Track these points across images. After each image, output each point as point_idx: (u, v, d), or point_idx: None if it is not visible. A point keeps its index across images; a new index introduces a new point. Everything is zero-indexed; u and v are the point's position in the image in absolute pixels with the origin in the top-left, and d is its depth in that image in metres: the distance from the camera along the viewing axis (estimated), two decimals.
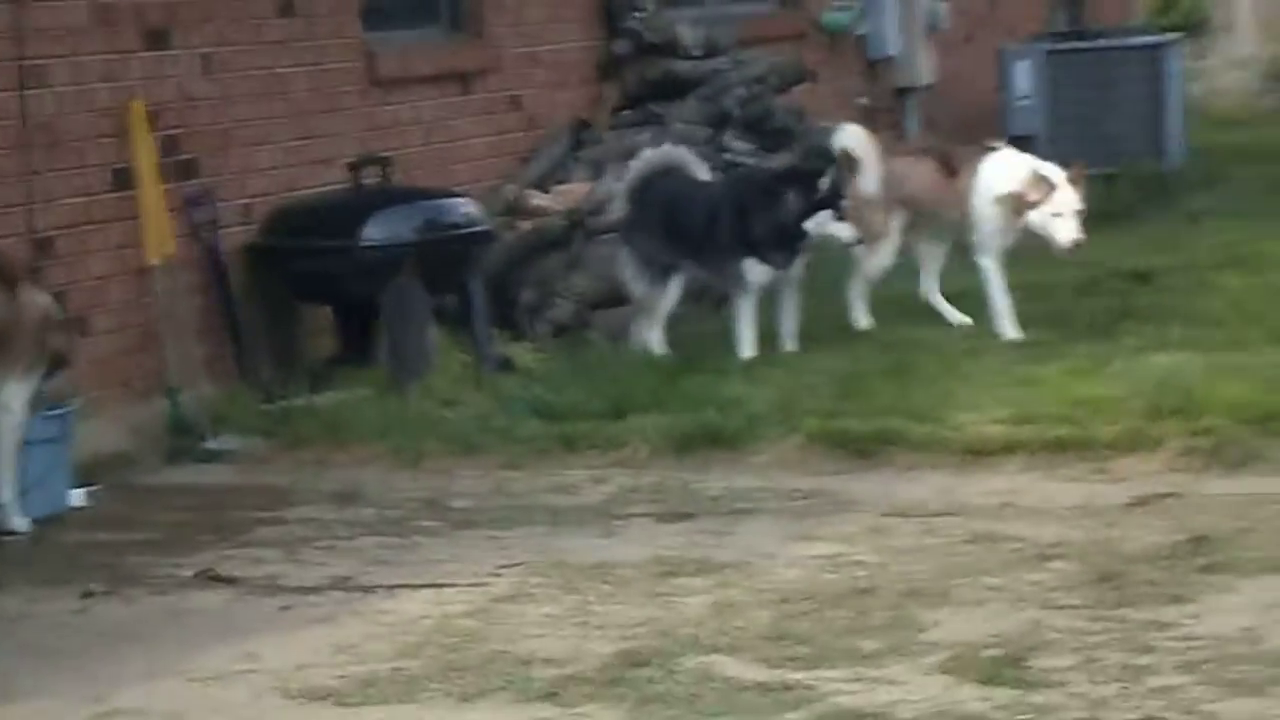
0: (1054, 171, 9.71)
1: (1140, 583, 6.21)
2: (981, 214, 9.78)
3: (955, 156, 10.07)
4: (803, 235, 9.55)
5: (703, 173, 10.15)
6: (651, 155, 10.08)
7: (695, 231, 9.69)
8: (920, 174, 10.08)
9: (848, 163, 10.01)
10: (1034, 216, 9.64)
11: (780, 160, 11.74)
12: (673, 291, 9.68)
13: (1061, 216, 9.58)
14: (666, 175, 9.95)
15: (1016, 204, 9.63)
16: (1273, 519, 6.83)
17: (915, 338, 9.67)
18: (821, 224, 9.55)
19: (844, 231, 9.62)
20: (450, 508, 7.75)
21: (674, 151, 10.18)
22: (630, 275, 9.73)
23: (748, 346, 9.48)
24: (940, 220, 10.02)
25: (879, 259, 10.01)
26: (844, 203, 9.64)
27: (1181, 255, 11.45)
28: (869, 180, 10.06)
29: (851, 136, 10.29)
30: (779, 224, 9.53)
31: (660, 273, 9.67)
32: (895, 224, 10.06)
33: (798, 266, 9.63)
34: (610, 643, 5.88)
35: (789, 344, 9.57)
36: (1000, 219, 9.75)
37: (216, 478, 8.44)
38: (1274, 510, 6.94)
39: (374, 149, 9.98)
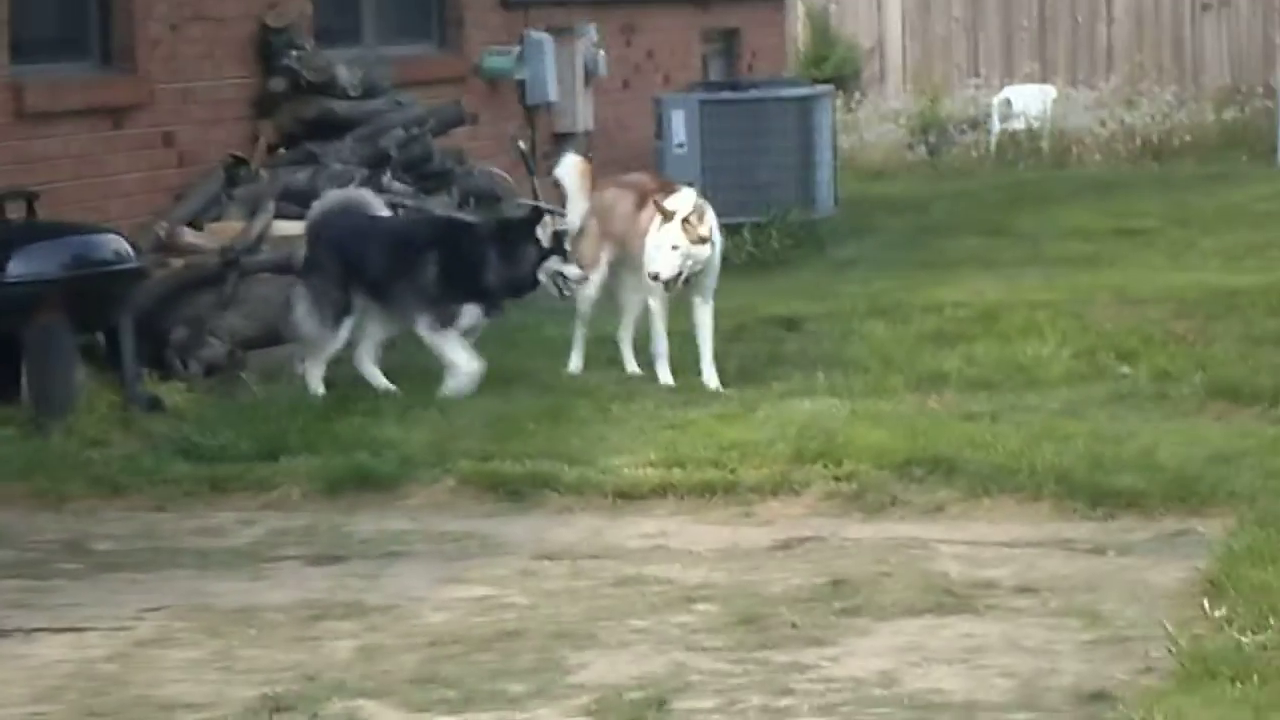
0: (685, 206, 9.71)
1: (781, 625, 6.32)
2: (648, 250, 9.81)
3: (647, 191, 10.10)
4: (535, 284, 9.60)
5: (384, 214, 10.12)
6: (333, 195, 10.04)
7: (387, 273, 9.62)
8: (622, 207, 10.13)
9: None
10: (647, 242, 9.69)
11: (441, 202, 11.77)
12: (343, 333, 9.62)
13: (661, 249, 9.59)
14: (346, 215, 9.88)
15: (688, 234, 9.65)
16: (910, 563, 7.00)
17: (568, 381, 9.75)
18: (550, 268, 9.60)
19: (572, 271, 9.66)
20: (93, 550, 7.59)
21: (356, 193, 10.15)
22: (302, 313, 9.64)
23: (468, 367, 9.46)
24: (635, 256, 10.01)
25: (588, 292, 10.04)
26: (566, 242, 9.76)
27: (829, 303, 11.70)
28: (575, 212, 10.14)
29: (566, 167, 10.36)
30: (514, 273, 9.54)
31: (333, 313, 9.60)
32: (604, 256, 10.11)
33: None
34: (254, 687, 5.82)
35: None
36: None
37: None
38: (911, 555, 7.11)
39: (20, 183, 9.76)
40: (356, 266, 9.67)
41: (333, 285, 9.65)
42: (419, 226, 10.26)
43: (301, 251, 9.85)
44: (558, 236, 9.74)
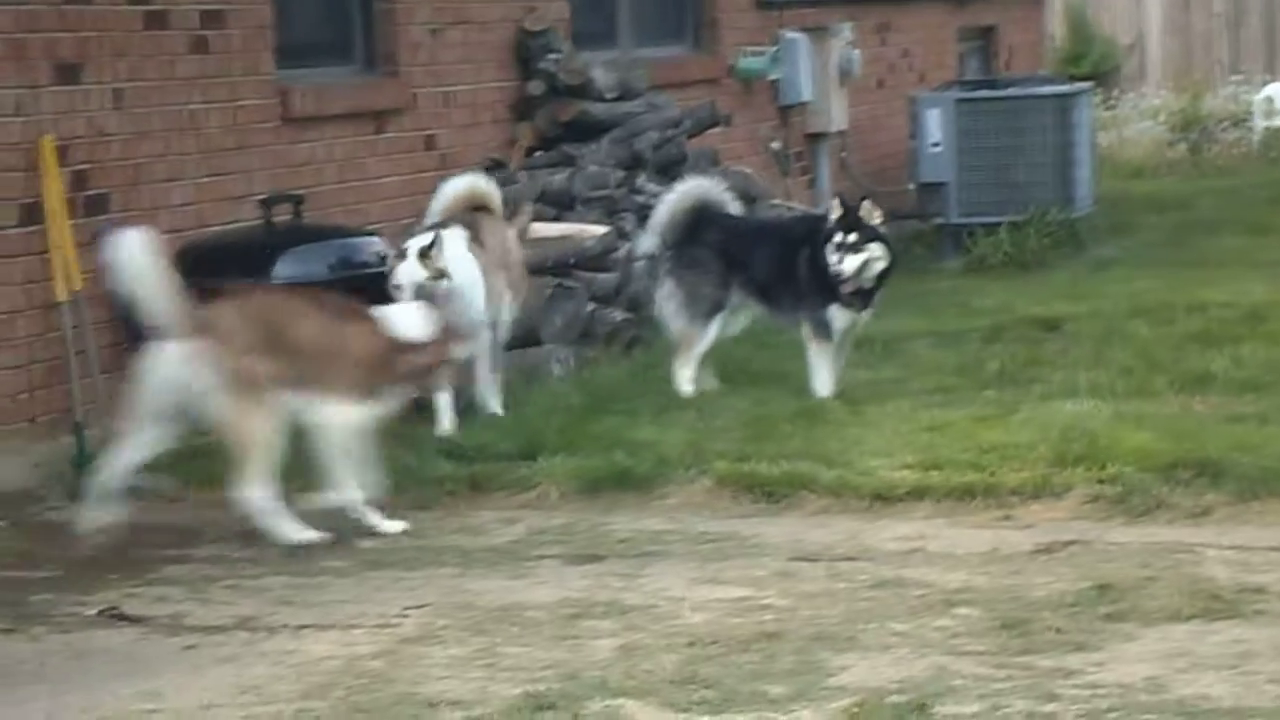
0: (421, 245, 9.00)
1: (1045, 630, 6.24)
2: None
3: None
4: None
5: (736, 209, 10.04)
6: (691, 189, 9.88)
7: (768, 272, 9.60)
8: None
9: None
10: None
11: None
12: (714, 330, 9.65)
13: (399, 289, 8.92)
14: (708, 210, 9.77)
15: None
16: (1176, 568, 6.88)
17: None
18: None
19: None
20: (358, 548, 7.71)
21: (711, 187, 9.99)
22: (673, 310, 9.66)
23: (827, 385, 9.40)
24: None
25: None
26: None
27: (1089, 303, 11.54)
28: None
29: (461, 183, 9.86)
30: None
31: (706, 309, 9.64)
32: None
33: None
34: (517, 685, 5.87)
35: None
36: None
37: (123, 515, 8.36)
38: (1177, 559, 6.99)
39: (287, 186, 9.96)
40: (741, 264, 9.62)
41: (708, 282, 9.64)
42: (797, 224, 10.18)
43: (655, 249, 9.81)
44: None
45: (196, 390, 7.61)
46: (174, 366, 7.60)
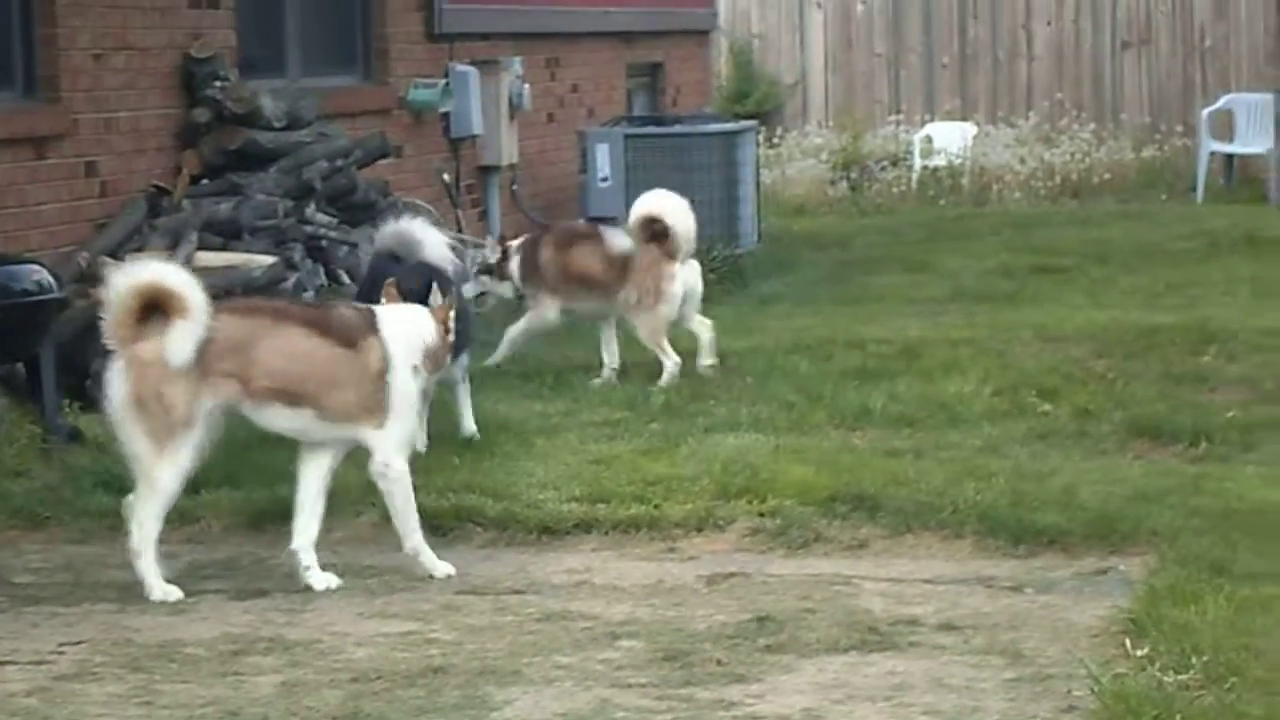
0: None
1: (707, 661, 6.32)
2: None
3: None
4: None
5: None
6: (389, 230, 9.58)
7: None
8: None
9: None
10: None
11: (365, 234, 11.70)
12: None
13: None
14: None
15: None
16: (834, 600, 7.02)
17: (493, 415, 9.74)
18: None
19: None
20: (13, 583, 7.53)
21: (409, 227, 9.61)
22: None
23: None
24: None
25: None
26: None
27: (753, 338, 11.73)
28: None
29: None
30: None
31: None
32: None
33: None
34: None
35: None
36: None
37: None
38: (835, 591, 7.14)
39: None
40: None
41: None
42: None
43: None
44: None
45: None
46: None
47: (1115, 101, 22.34)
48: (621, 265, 10.90)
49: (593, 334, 11.14)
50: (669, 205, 10.97)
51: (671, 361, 10.79)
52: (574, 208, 15.23)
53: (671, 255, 10.87)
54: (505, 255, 11.02)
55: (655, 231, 10.89)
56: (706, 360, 10.94)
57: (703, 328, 11.04)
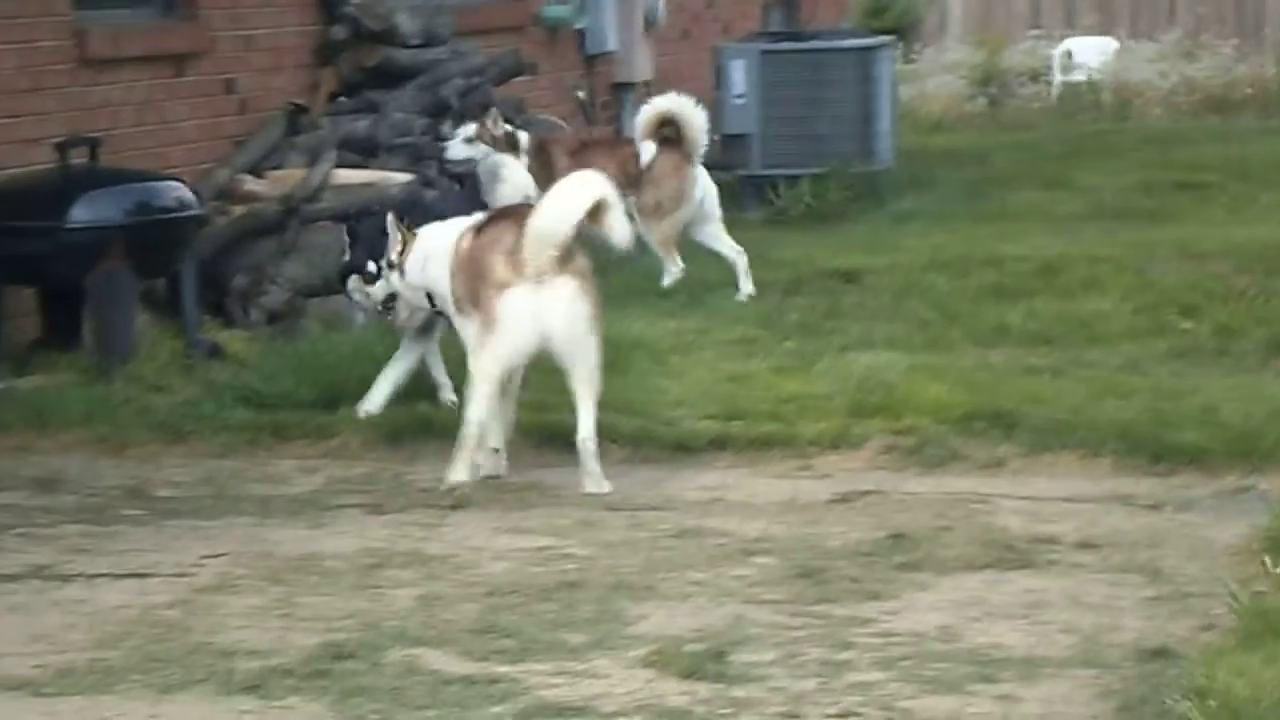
0: None
1: (841, 579, 6.32)
2: None
3: None
4: None
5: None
6: None
7: None
8: None
9: None
10: None
11: None
12: None
13: None
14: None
15: None
16: (970, 518, 6.99)
17: (627, 333, 9.74)
18: None
19: None
20: (155, 496, 7.64)
21: None
22: None
23: None
24: None
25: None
26: None
27: (888, 256, 11.65)
28: None
29: None
30: None
31: None
32: None
33: None
34: (315, 635, 5.84)
35: None
36: None
37: None
38: (971, 509, 7.10)
39: (83, 129, 9.80)
40: None
41: None
42: None
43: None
44: None
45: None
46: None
47: (1258, 17, 21.96)
48: (636, 169, 10.84)
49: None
50: (682, 106, 10.88)
51: (677, 267, 10.77)
52: (709, 125, 15.14)
53: (688, 158, 10.83)
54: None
55: (665, 135, 10.84)
56: (746, 288, 10.82)
57: (736, 254, 10.94)
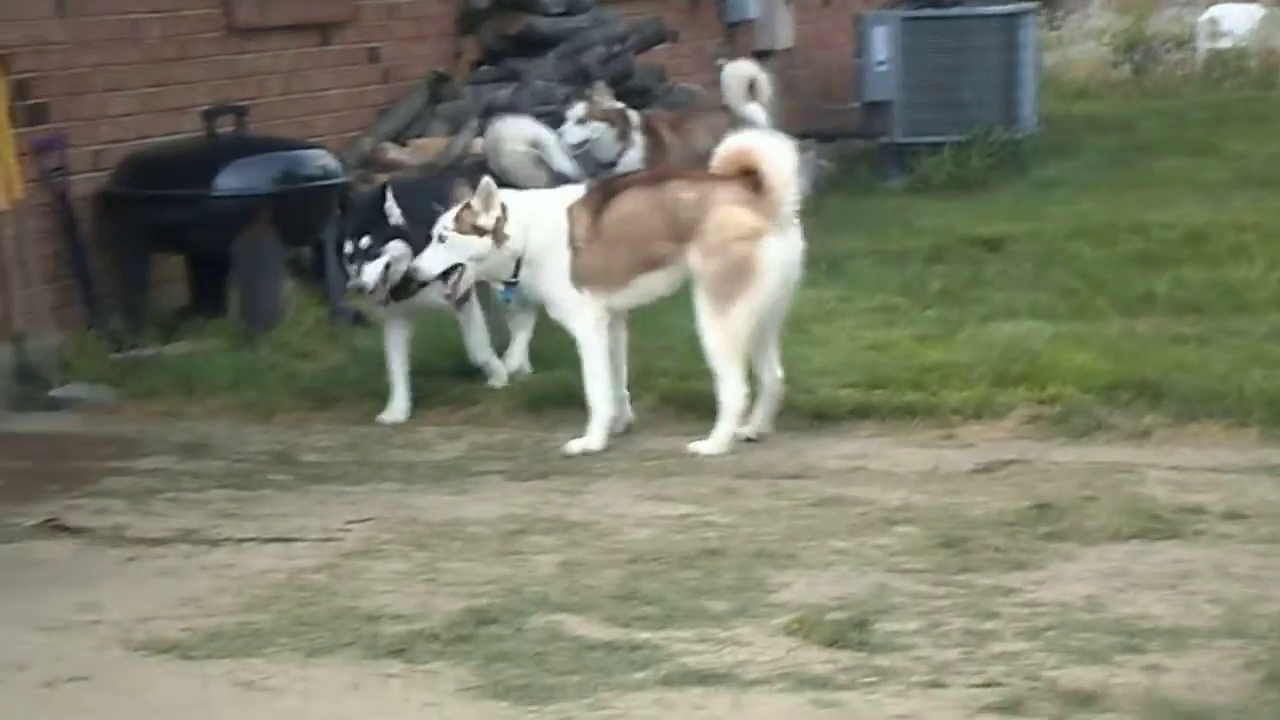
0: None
1: (985, 548, 6.28)
2: None
3: None
4: None
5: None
6: None
7: None
8: None
9: None
10: None
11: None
12: None
13: None
14: None
15: None
16: (1116, 488, 6.92)
17: None
18: None
19: None
20: (301, 462, 7.71)
21: None
22: None
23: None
24: None
25: None
26: None
27: (1032, 224, 11.57)
28: None
29: None
30: None
31: None
32: None
33: None
34: (459, 600, 5.88)
35: None
36: None
37: (63, 426, 8.35)
38: (1117, 479, 7.03)
39: (230, 98, 9.89)
40: None
41: None
42: None
43: None
44: None
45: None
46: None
47: None
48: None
49: (870, 220, 11.06)
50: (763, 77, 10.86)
51: None
52: (849, 92, 15.10)
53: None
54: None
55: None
56: None
57: None
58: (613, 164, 10.48)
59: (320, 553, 6.44)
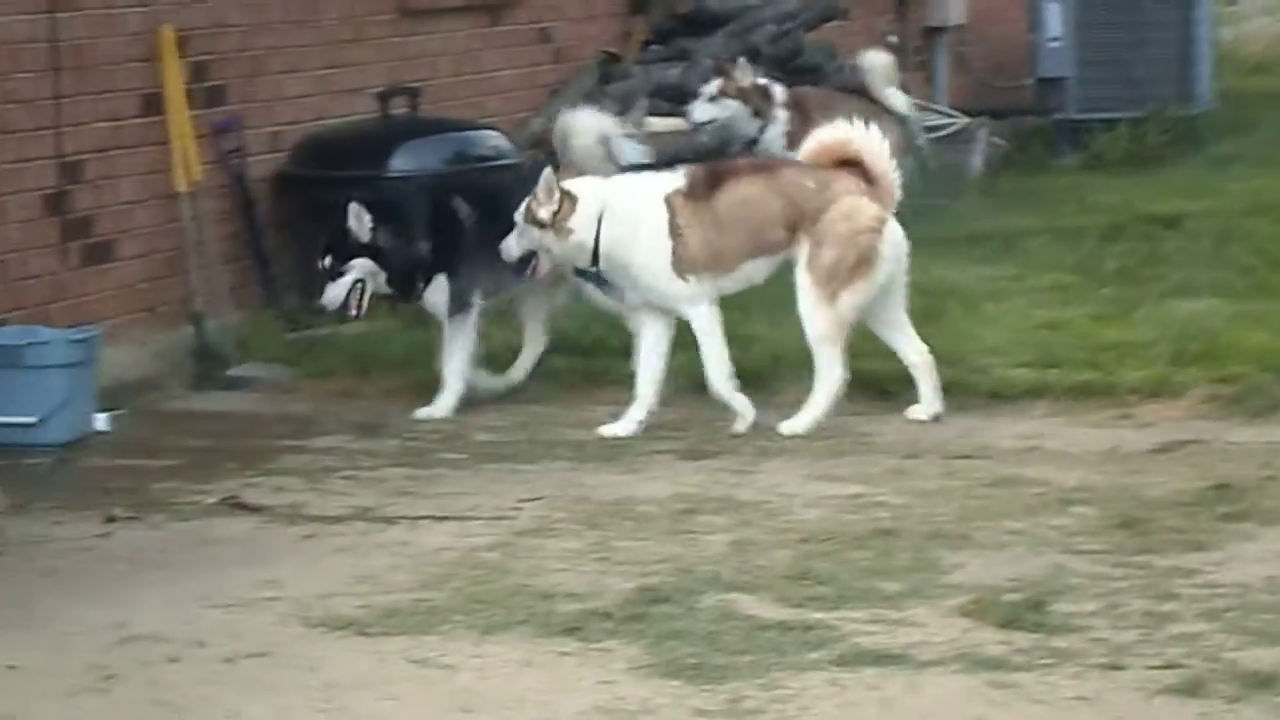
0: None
1: (1163, 529, 6.21)
2: None
3: None
4: None
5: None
6: None
7: None
8: None
9: None
10: None
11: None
12: None
13: None
14: None
15: None
16: None
17: (941, 280, 9.64)
18: None
19: None
20: (473, 440, 7.76)
21: None
22: None
23: None
24: None
25: None
26: None
27: (1209, 201, 11.41)
28: None
29: None
30: None
31: None
32: None
33: None
34: (631, 579, 5.90)
35: None
36: None
37: (241, 405, 8.46)
38: None
39: (403, 79, 9.96)
40: None
41: None
42: None
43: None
44: None
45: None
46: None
47: None
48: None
49: (1044, 198, 10.95)
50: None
51: None
52: (1022, 69, 14.94)
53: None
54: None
55: None
56: None
57: None
58: (754, 141, 10.46)
59: (494, 531, 6.48)
